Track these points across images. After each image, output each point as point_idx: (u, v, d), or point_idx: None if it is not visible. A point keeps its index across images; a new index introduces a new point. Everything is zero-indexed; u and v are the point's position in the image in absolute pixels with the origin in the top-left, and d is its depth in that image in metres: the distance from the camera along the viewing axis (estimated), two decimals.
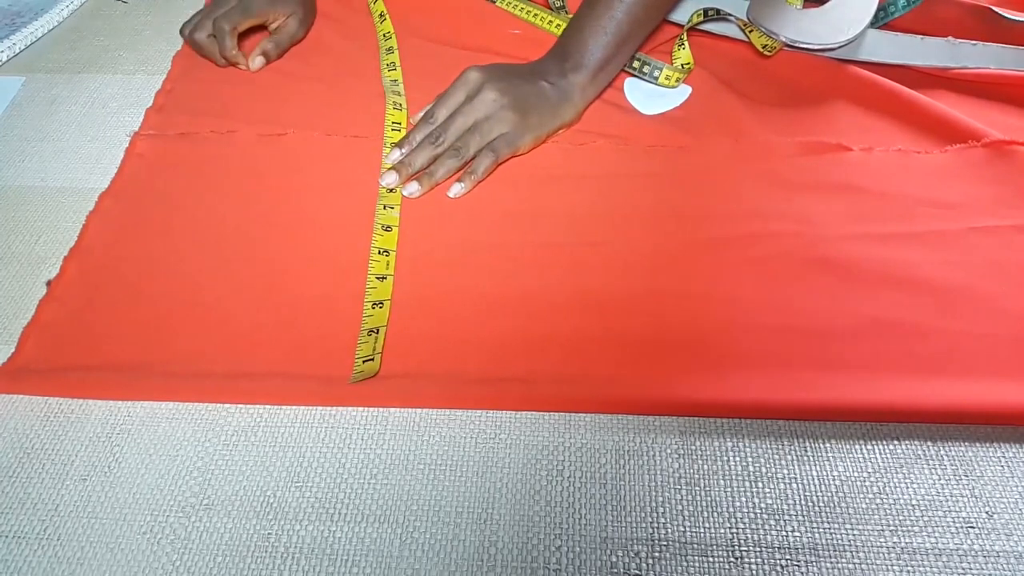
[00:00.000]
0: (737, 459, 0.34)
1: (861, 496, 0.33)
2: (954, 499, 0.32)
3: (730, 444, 0.34)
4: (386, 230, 0.42)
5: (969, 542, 0.31)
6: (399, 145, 0.46)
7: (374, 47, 0.54)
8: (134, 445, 0.34)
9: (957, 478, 0.33)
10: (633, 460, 0.34)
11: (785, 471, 0.33)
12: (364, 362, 0.36)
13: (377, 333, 0.37)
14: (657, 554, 0.31)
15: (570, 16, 0.54)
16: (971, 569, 0.30)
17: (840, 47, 0.50)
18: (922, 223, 0.42)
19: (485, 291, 0.39)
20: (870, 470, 0.33)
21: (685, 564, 0.31)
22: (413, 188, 0.44)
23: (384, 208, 0.43)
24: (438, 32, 0.55)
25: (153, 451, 0.34)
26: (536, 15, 0.56)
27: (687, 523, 0.32)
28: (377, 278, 0.39)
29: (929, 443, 0.34)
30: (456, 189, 0.44)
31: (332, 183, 0.45)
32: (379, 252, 0.41)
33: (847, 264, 0.40)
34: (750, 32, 0.51)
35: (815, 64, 0.51)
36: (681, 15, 0.53)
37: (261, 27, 0.54)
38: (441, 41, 0.55)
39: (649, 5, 0.48)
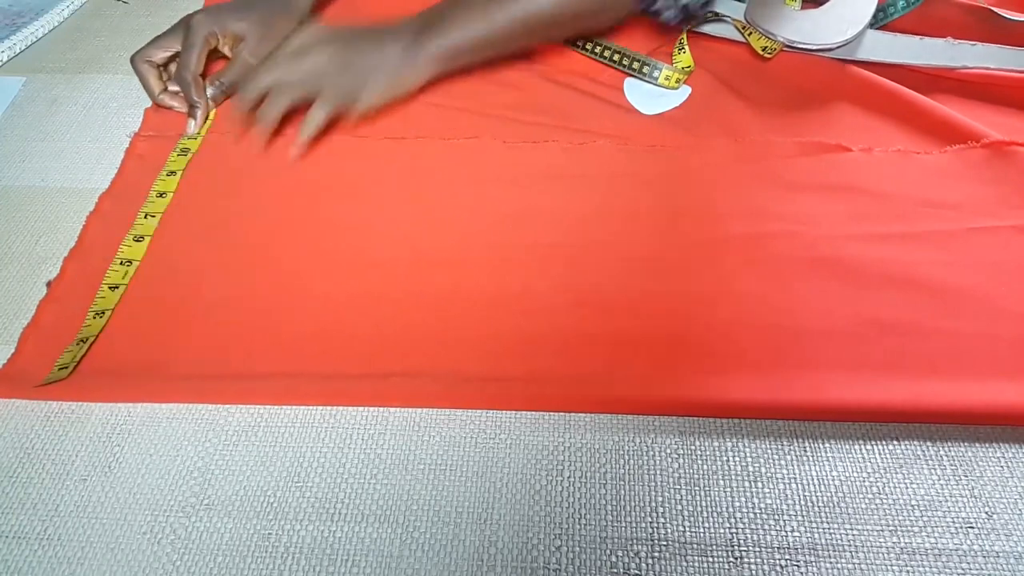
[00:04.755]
0: (737, 459, 0.34)
1: (861, 496, 0.33)
2: (954, 499, 0.32)
3: (730, 444, 0.34)
4: (137, 240, 0.41)
5: (969, 542, 0.31)
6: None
7: None
8: (134, 445, 0.35)
9: (957, 478, 0.33)
10: (633, 460, 0.34)
11: (785, 471, 0.33)
12: (59, 369, 0.35)
13: (86, 343, 0.37)
14: (657, 554, 0.31)
15: None
16: (971, 569, 0.30)
17: (839, 47, 0.50)
18: (922, 223, 0.42)
19: (484, 290, 0.39)
20: (870, 470, 0.33)
21: (685, 564, 0.31)
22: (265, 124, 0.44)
23: (145, 217, 0.42)
24: None
25: (153, 451, 0.34)
26: None
27: (687, 523, 0.32)
28: (110, 287, 0.39)
29: (929, 443, 0.34)
30: (294, 150, 0.44)
31: (332, 182, 0.45)
32: (121, 262, 0.40)
33: (847, 264, 0.40)
34: (749, 35, 0.51)
35: (815, 64, 0.51)
36: None
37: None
38: None
39: (526, 25, 0.46)
